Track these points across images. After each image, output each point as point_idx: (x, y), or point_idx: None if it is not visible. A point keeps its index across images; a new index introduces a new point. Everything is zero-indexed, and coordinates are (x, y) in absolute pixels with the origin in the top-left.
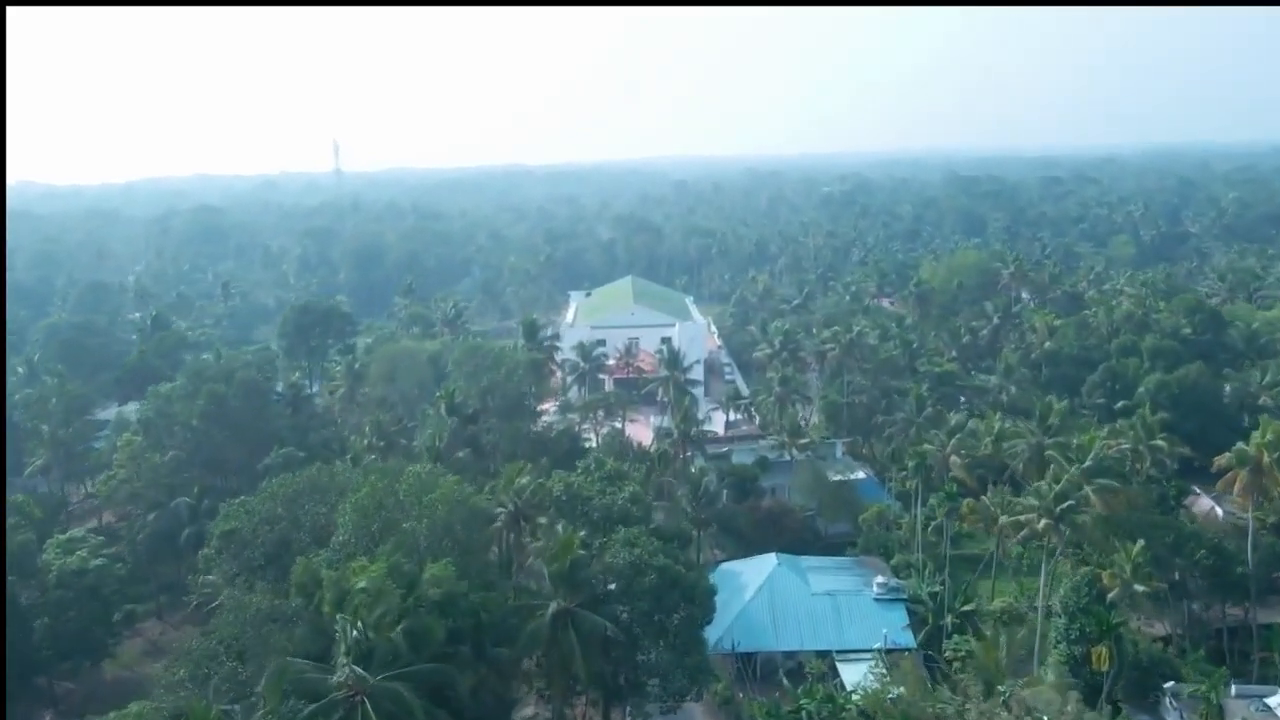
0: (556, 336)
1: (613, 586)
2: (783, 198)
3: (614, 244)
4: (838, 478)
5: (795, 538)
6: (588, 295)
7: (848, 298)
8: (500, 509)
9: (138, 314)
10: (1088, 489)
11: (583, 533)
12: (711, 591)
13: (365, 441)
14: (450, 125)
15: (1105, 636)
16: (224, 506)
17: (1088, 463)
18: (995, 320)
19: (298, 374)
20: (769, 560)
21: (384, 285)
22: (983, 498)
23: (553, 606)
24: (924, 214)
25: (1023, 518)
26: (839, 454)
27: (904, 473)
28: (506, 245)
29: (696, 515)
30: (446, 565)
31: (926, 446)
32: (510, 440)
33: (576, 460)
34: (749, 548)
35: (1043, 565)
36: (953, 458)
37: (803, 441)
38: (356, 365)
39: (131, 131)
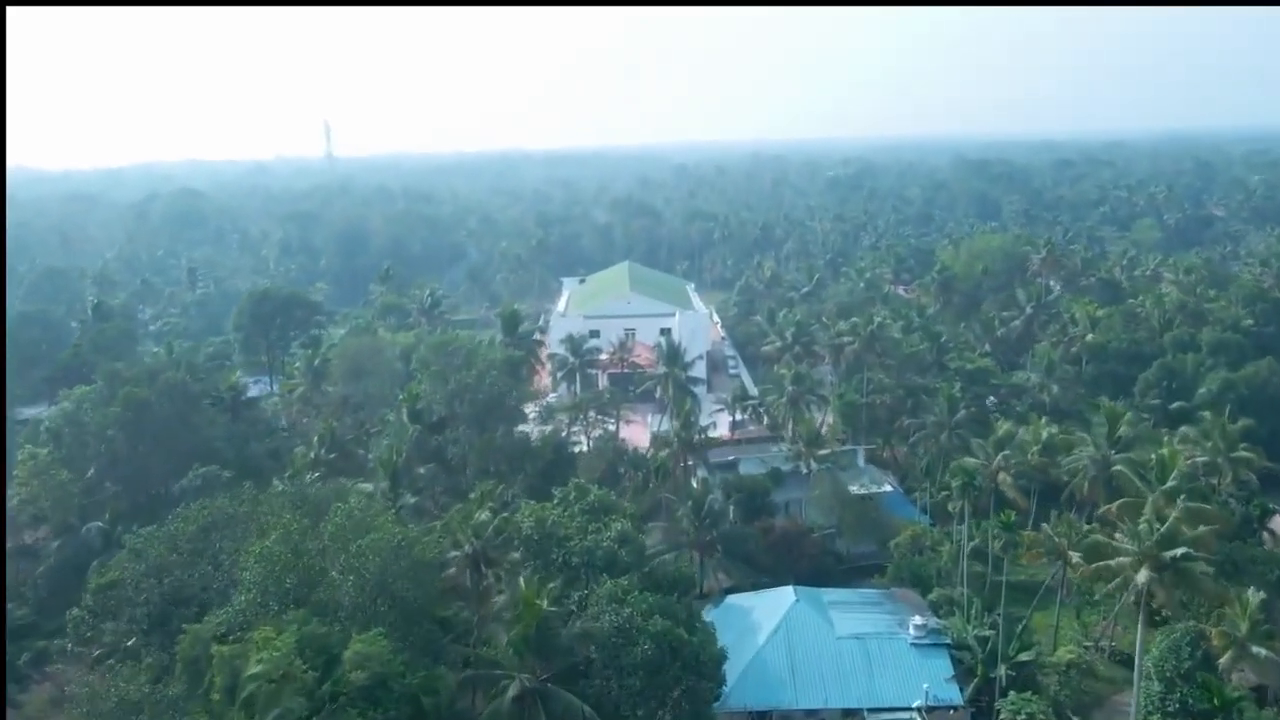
0: (541, 329)
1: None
2: (787, 181)
3: (611, 228)
4: (860, 490)
5: (814, 564)
6: (581, 282)
7: (862, 285)
8: (455, 552)
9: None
10: (1190, 530)
11: (553, 585)
12: (721, 658)
13: (312, 454)
14: (448, 111)
15: (1219, 713)
16: (130, 538)
17: (1170, 483)
18: (1028, 310)
19: (238, 373)
20: (785, 595)
21: (368, 271)
22: (1044, 527)
23: (515, 685)
24: (934, 197)
25: (1113, 564)
26: (860, 462)
27: (945, 492)
28: (498, 229)
29: (699, 537)
30: (376, 638)
31: (969, 460)
32: (481, 453)
33: (565, 471)
34: (759, 572)
35: (1139, 626)
36: (1002, 475)
37: (823, 453)
38: (316, 362)
39: (126, 116)
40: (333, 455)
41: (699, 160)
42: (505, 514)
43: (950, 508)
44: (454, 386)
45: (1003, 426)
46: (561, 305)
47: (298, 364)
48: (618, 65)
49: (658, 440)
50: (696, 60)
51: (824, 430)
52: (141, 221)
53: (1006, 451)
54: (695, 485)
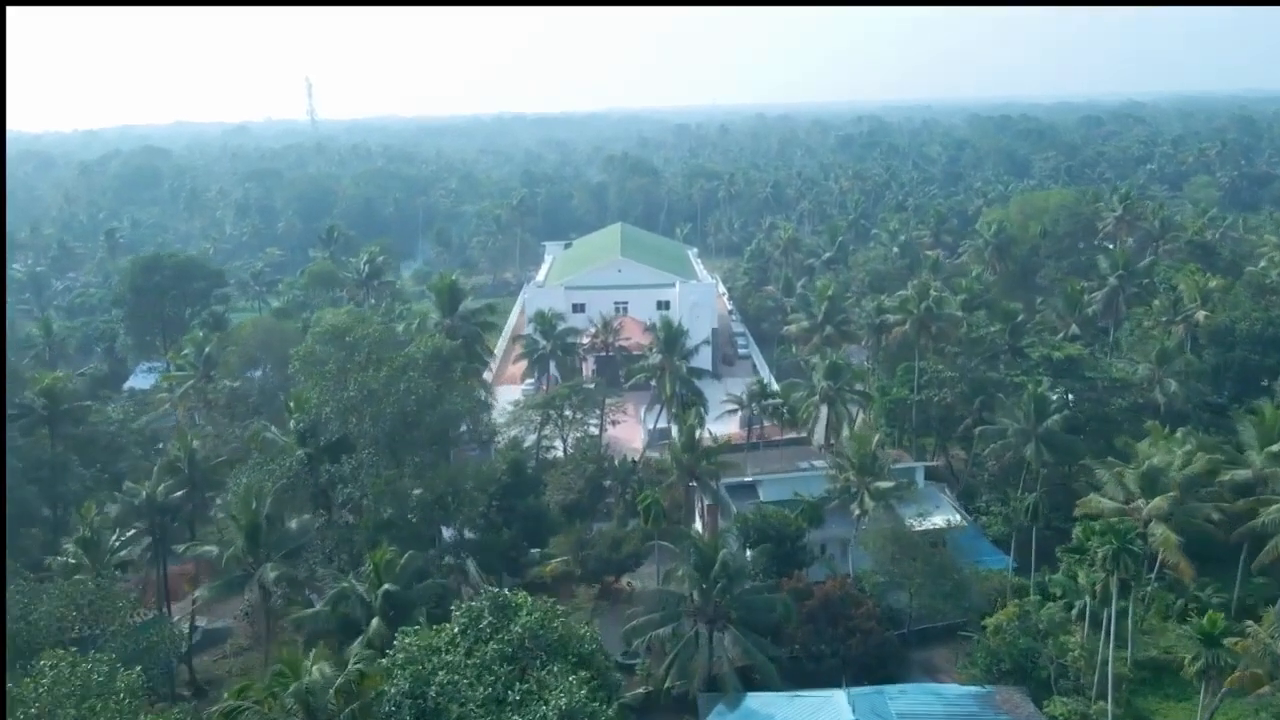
0: (489, 309)
1: None
2: (795, 139)
3: (604, 188)
4: (924, 526)
5: (869, 645)
6: (567, 247)
7: (895, 249)
8: None
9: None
10: None
11: None
12: None
13: (144, 493)
14: (441, 74)
15: None
16: None
17: None
18: (1111, 281)
19: (59, 374)
20: (835, 707)
21: (352, 237)
22: (1255, 629)
23: None
24: (958, 155)
25: None
26: (920, 481)
27: (1079, 561)
28: (480, 190)
29: (706, 605)
30: None
31: (1100, 501)
32: (381, 495)
33: (527, 497)
34: (789, 644)
35: None
36: (1158, 527)
37: (883, 485)
38: (209, 348)
39: (118, 79)
40: (179, 494)
41: (700, 121)
42: (359, 664)
43: (1083, 579)
44: (354, 393)
45: (1145, 449)
46: (541, 274)
47: (186, 350)
48: (615, 26)
49: (650, 456)
50: (695, 22)
51: (869, 436)
52: (88, 181)
53: (1174, 494)
54: (700, 523)
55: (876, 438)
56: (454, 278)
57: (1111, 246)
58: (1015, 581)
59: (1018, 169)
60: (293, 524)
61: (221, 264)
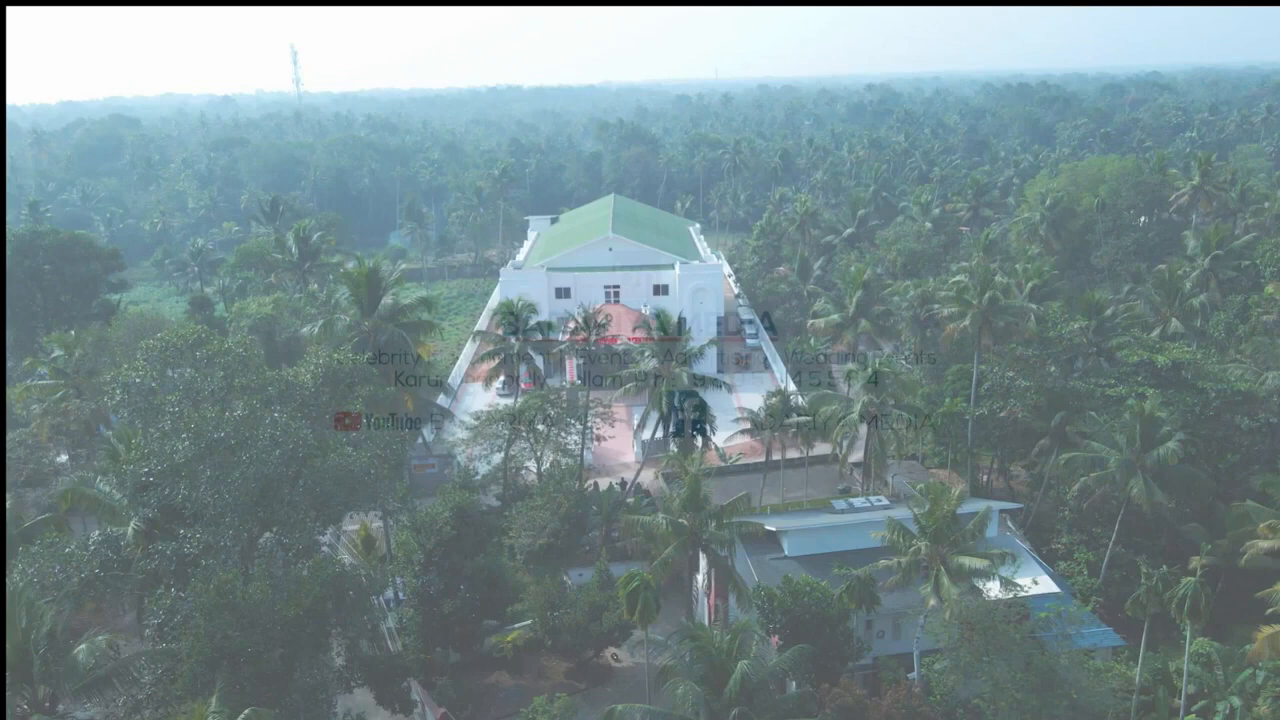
0: (423, 305)
1: None
2: (802, 108)
3: (599, 159)
4: (1002, 592)
5: None
6: (554, 222)
7: (929, 225)
8: None
9: None
10: None
11: None
12: None
13: None
14: (437, 48)
15: None
16: None
17: None
18: (1203, 264)
19: None
20: None
21: (298, 206)
22: None
23: None
24: (978, 124)
25: None
26: (993, 529)
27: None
28: (465, 161)
29: None
30: None
31: None
32: (214, 609)
33: (474, 552)
34: None
35: None
36: None
37: (970, 563)
38: (79, 352)
39: (107, 52)
40: None
41: (702, 93)
42: None
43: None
44: (187, 446)
45: None
46: (522, 254)
47: (56, 353)
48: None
49: (643, 478)
50: None
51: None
52: (43, 152)
53: None
54: (701, 589)
55: (958, 490)
56: (372, 264)
57: (1179, 219)
58: (1129, 673)
59: (1043, 137)
60: (79, 651)
61: (176, 240)
